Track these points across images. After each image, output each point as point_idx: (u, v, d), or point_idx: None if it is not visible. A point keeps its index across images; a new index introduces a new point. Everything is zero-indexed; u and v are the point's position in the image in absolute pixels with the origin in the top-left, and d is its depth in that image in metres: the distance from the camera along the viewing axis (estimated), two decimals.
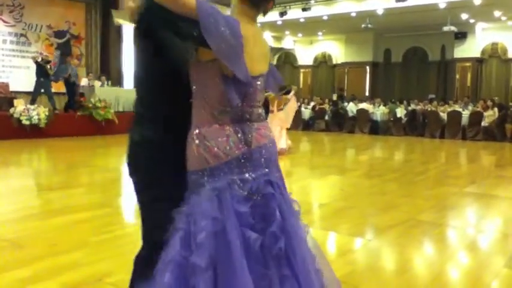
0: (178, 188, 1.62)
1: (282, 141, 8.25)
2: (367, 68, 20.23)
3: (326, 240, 3.69)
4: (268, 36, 20.76)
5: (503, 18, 15.77)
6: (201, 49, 1.55)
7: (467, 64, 17.91)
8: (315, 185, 6.11)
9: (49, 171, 7.23)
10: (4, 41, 12.92)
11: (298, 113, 13.56)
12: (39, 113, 10.73)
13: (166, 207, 1.56)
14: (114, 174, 7.07)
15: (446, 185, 6.14)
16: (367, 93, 19.51)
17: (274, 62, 21.81)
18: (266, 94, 7.82)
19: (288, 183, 2.17)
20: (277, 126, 8.15)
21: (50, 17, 13.78)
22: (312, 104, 16.57)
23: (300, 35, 21.27)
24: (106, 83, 13.86)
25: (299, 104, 14.59)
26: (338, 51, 20.93)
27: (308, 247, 1.70)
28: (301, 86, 21.45)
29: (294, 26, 18.40)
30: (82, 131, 11.49)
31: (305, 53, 22.30)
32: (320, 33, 20.60)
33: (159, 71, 1.64)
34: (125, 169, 7.25)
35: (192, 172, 1.60)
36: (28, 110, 10.63)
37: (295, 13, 15.83)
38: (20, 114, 10.50)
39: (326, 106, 16.06)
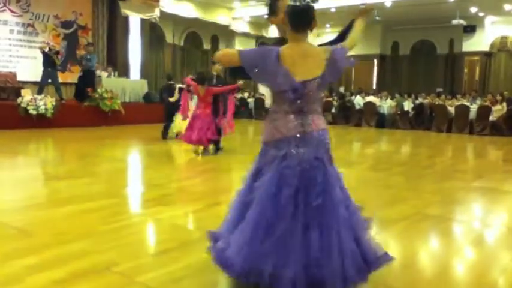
0: None
1: None
2: (375, 60, 20.11)
3: None
4: (274, 29, 20.58)
5: None
6: None
7: (476, 58, 17.75)
8: None
9: (56, 161, 7.27)
10: (11, 31, 12.93)
11: None
12: (46, 103, 10.78)
13: None
14: (120, 164, 7.10)
15: (454, 179, 6.11)
16: (374, 86, 19.41)
17: None
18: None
19: None
20: None
21: (57, 7, 13.77)
22: None
23: None
24: (112, 73, 13.88)
25: None
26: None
27: (345, 211, 2.27)
28: None
29: None
30: (88, 121, 11.53)
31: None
32: (328, 25, 20.46)
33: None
34: (131, 159, 7.32)
35: (264, 142, 2.40)
36: (35, 99, 10.68)
37: None
38: (27, 104, 10.55)
39: (332, 99, 16.00)
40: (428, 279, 2.76)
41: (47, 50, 11.65)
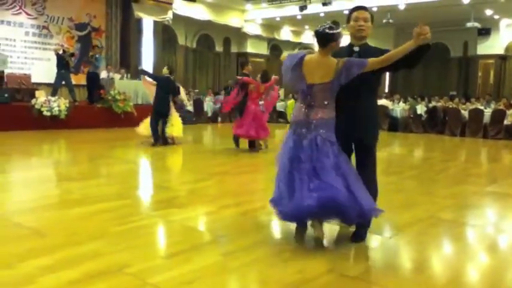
0: None
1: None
2: None
3: (345, 236, 3.65)
4: (287, 31, 20.66)
5: None
6: None
7: (490, 61, 17.54)
8: None
9: (69, 162, 7.34)
10: (27, 33, 13.11)
11: None
12: (59, 104, 10.89)
13: None
14: (132, 166, 7.14)
15: (467, 183, 6.04)
16: (386, 89, 19.29)
17: None
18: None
19: None
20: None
21: (71, 9, 13.93)
22: None
23: None
24: (125, 75, 13.98)
25: None
26: None
27: (336, 170, 3.11)
28: None
29: (314, 21, 18.22)
30: (101, 123, 11.62)
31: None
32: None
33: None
34: (143, 161, 7.35)
35: (290, 122, 3.39)
36: (49, 101, 10.80)
37: (315, 7, 15.69)
38: (41, 106, 10.67)
39: None
40: (442, 285, 2.72)
41: (61, 52, 11.79)
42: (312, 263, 2.92)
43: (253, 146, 8.31)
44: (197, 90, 17.44)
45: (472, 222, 4.22)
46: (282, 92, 18.37)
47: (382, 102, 15.07)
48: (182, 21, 17.18)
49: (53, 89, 11.68)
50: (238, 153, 8.20)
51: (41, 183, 5.37)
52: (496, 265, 3.12)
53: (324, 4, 15.19)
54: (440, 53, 19.17)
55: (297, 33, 21.23)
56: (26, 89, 11.73)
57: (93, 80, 12.44)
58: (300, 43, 21.63)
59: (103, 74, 13.04)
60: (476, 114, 12.97)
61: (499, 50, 17.34)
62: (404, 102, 15.12)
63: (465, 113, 13.24)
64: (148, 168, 7.32)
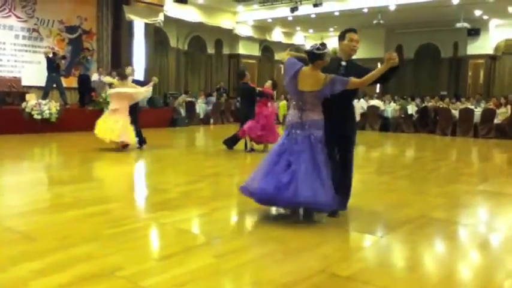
0: None
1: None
2: (379, 64, 19.78)
3: (337, 236, 3.67)
4: (278, 32, 20.69)
5: None
6: None
7: (480, 61, 17.69)
8: None
9: (60, 165, 7.29)
10: (17, 36, 13.01)
11: None
12: (50, 107, 10.82)
13: None
14: (124, 168, 7.11)
15: (459, 182, 6.09)
16: (378, 90, 19.36)
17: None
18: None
19: None
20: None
21: (61, 12, 13.84)
22: None
23: (310, 31, 21.17)
24: (117, 78, 13.88)
25: None
26: None
27: (313, 169, 3.75)
28: None
29: (305, 22, 18.31)
30: (93, 126, 11.46)
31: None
32: (331, 29, 20.48)
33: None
34: (135, 164, 7.30)
35: (286, 124, 3.98)
36: (40, 104, 10.72)
37: (306, 9, 15.73)
38: (32, 109, 10.59)
39: None
40: (434, 283, 2.74)
41: (51, 55, 11.71)
42: (304, 264, 2.93)
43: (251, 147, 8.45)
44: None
45: (463, 221, 4.25)
46: (274, 93, 18.39)
47: (373, 102, 15.16)
48: (174, 23, 17.14)
49: (44, 92, 11.61)
50: (230, 154, 8.20)
51: (32, 187, 5.33)
52: (488, 264, 3.15)
53: (315, 5, 15.21)
54: (431, 53, 19.31)
55: (288, 34, 21.28)
56: (16, 92, 11.65)
57: (85, 82, 12.40)
58: (292, 44, 21.68)
59: (94, 77, 12.98)
60: (467, 113, 13.07)
61: (489, 50, 17.50)
62: (395, 102, 15.20)
63: (455, 113, 13.34)
64: (140, 171, 7.29)
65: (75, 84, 13.15)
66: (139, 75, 15.56)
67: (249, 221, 4.02)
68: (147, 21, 15.26)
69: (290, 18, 16.97)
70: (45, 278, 2.57)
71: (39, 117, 10.60)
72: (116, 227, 3.57)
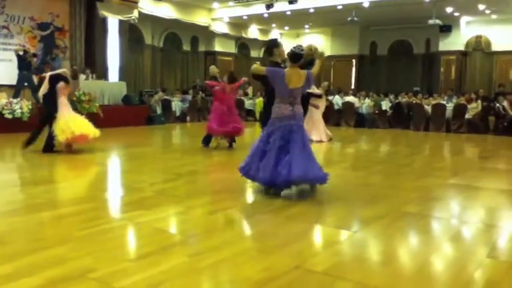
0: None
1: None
2: (353, 61, 20.29)
3: (312, 232, 3.70)
4: (254, 29, 20.67)
5: (487, 11, 15.91)
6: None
7: (452, 57, 18.06)
8: None
9: (33, 165, 7.11)
10: None
11: None
12: (22, 106, 10.56)
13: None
14: (99, 168, 7.00)
15: (431, 176, 6.21)
16: (353, 86, 19.58)
17: (260, 55, 21.74)
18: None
19: None
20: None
21: (33, 8, 13.50)
22: None
23: (286, 28, 21.22)
24: (91, 76, 13.67)
25: None
26: (324, 44, 20.92)
27: (303, 153, 4.56)
28: None
29: (281, 19, 18.34)
30: None
31: (291, 46, 22.20)
32: (307, 26, 20.58)
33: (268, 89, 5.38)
34: (110, 163, 7.18)
35: (274, 117, 4.71)
36: (11, 103, 10.45)
37: (281, 6, 15.76)
38: (3, 108, 10.32)
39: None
40: (408, 276, 2.79)
41: (21, 53, 11.42)
42: (279, 260, 2.94)
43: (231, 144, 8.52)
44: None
45: (436, 215, 4.34)
46: (250, 90, 18.39)
47: (349, 99, 15.28)
48: (149, 20, 16.94)
49: (15, 90, 11.32)
50: (207, 152, 8.16)
51: (3, 188, 5.19)
52: (459, 255, 3.22)
53: (290, 2, 15.26)
54: (405, 50, 19.61)
55: (264, 31, 21.27)
56: None
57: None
58: (267, 41, 21.66)
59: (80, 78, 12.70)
60: (439, 109, 13.33)
61: (460, 46, 17.87)
62: (370, 98, 15.37)
63: (428, 108, 13.58)
64: (115, 170, 7.19)
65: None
66: (114, 73, 15.37)
67: (225, 219, 4.01)
68: (121, 18, 15.03)
69: (266, 15, 16.98)
70: (16, 283, 2.51)
71: (10, 116, 10.34)
72: (89, 228, 3.51)
